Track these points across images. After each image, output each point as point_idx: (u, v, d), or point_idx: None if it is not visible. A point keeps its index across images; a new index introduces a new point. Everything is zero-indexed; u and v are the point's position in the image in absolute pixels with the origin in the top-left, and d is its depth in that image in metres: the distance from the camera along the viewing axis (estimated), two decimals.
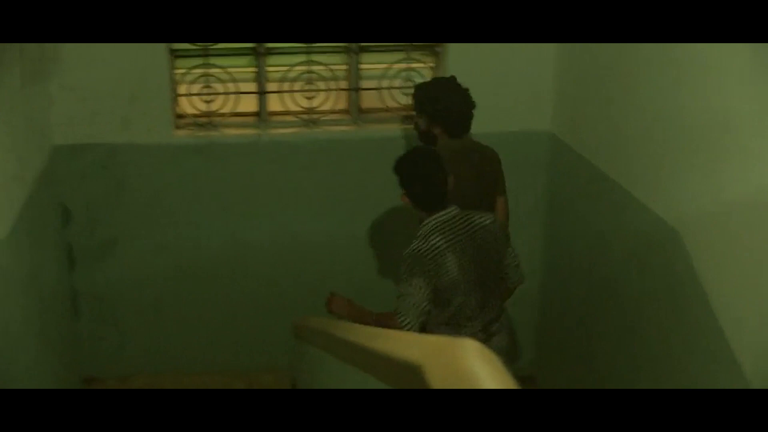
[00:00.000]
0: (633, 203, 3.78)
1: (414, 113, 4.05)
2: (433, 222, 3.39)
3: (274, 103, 4.68)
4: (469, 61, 4.57)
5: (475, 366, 1.39)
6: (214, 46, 4.49)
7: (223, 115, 4.61)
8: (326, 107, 4.68)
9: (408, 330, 3.31)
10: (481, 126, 4.60)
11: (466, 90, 3.88)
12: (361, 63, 4.66)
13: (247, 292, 4.87)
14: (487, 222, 3.49)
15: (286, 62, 4.60)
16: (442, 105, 3.81)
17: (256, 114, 4.69)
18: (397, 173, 3.46)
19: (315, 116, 4.68)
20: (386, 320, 3.40)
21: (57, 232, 4.43)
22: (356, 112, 4.73)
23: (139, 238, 4.69)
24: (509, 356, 3.72)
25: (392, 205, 4.62)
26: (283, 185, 4.69)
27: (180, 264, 4.77)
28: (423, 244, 3.35)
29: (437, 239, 3.35)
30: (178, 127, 4.58)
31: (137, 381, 4.87)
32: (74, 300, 4.71)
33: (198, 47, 4.48)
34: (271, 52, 4.59)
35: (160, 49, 4.36)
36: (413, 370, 1.54)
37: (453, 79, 4.03)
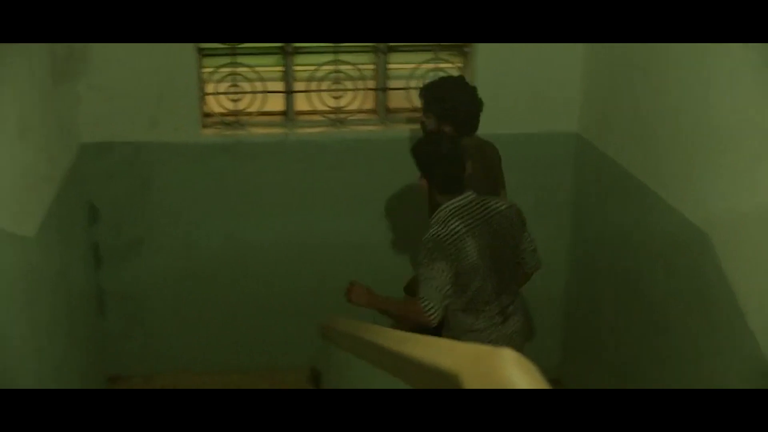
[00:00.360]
0: (660, 204, 3.74)
1: (421, 113, 4.01)
2: (451, 207, 3.40)
3: (301, 103, 4.67)
4: (496, 62, 4.56)
5: (513, 376, 1.37)
6: (242, 45, 4.49)
7: (250, 114, 4.60)
8: (353, 107, 4.67)
9: (432, 314, 3.33)
10: (507, 126, 4.62)
11: (474, 89, 3.85)
12: (389, 63, 4.63)
13: (275, 292, 4.86)
14: (503, 207, 3.50)
15: (314, 61, 4.59)
16: (450, 104, 3.78)
17: (283, 113, 4.68)
18: (415, 155, 3.47)
19: (342, 116, 4.67)
20: (408, 306, 3.44)
21: (84, 231, 4.44)
22: (383, 112, 4.71)
23: (165, 237, 4.69)
24: (524, 336, 3.73)
25: (419, 206, 4.58)
26: (310, 185, 4.67)
27: (207, 263, 4.77)
28: (442, 228, 3.36)
29: (456, 224, 3.36)
30: (205, 126, 4.57)
31: (162, 380, 4.88)
32: (100, 298, 4.72)
33: (226, 46, 4.47)
34: (298, 52, 4.58)
35: (187, 48, 4.36)
36: (449, 378, 1.51)
37: (461, 78, 4.03)
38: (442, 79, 4.02)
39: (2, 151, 2.93)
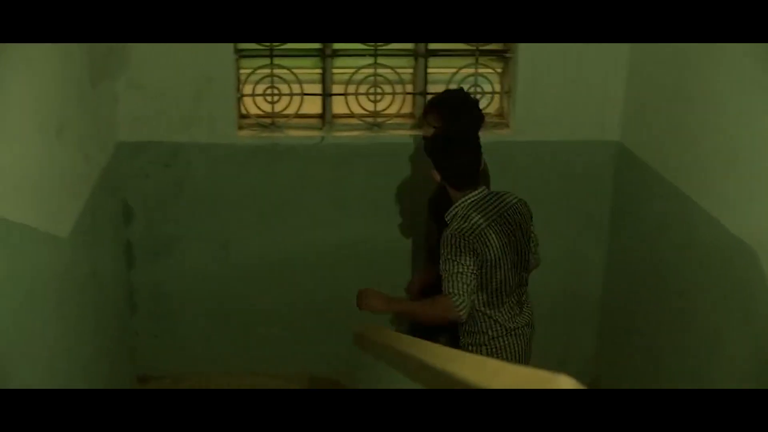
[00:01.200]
0: (703, 217, 3.67)
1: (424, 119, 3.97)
2: (468, 201, 3.44)
3: (338, 106, 4.62)
4: (538, 68, 4.48)
5: None
6: (280, 47, 4.44)
7: (287, 116, 4.55)
8: (391, 111, 4.60)
9: (461, 309, 3.31)
10: (547, 134, 4.56)
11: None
12: (429, 67, 4.56)
13: (308, 295, 4.81)
14: (515, 200, 3.55)
15: (352, 64, 4.54)
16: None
17: (320, 116, 4.62)
18: (431, 148, 3.49)
19: (379, 120, 4.61)
20: (436, 304, 3.40)
21: (117, 229, 4.42)
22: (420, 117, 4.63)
23: (198, 238, 4.66)
24: (533, 326, 3.75)
25: None
26: (346, 189, 4.62)
27: (238, 264, 4.72)
28: (464, 223, 3.38)
29: (477, 218, 3.39)
30: (241, 128, 4.54)
31: (192, 380, 4.84)
32: (131, 297, 4.69)
33: (264, 47, 4.43)
34: (337, 54, 4.53)
35: (225, 49, 4.32)
36: None
37: (461, 91, 4.08)
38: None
39: (40, 151, 2.91)
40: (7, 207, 2.51)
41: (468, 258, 3.33)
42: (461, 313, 3.33)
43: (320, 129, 4.59)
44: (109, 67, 4.09)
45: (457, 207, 3.46)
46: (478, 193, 3.46)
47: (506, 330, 3.54)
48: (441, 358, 1.95)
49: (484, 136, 4.47)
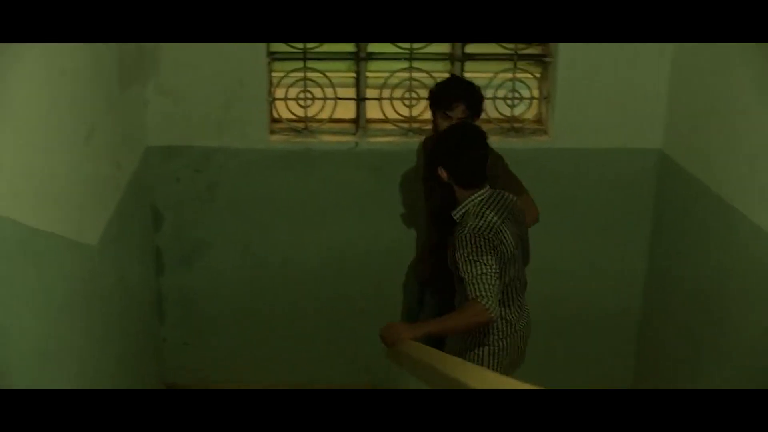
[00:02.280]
0: (750, 228, 3.55)
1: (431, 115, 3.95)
2: (478, 199, 3.36)
3: (372, 110, 4.52)
4: (577, 73, 4.37)
5: None
6: (314, 50, 4.35)
7: (320, 121, 4.46)
8: (427, 116, 4.46)
9: (492, 312, 3.18)
10: (587, 141, 4.45)
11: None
12: (465, 71, 4.45)
13: (339, 304, 4.71)
14: (512, 197, 3.52)
15: (387, 68, 4.44)
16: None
17: (354, 121, 4.53)
18: (438, 146, 3.42)
19: (415, 125, 4.50)
20: (467, 313, 3.24)
21: (146, 236, 4.35)
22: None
23: (228, 244, 4.57)
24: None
25: None
26: (379, 195, 4.52)
27: (269, 271, 4.64)
28: (480, 221, 3.28)
29: (491, 215, 3.32)
30: (273, 132, 4.45)
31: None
32: (159, 304, 4.62)
33: (297, 50, 4.34)
34: (371, 57, 4.43)
35: (258, 51, 4.24)
36: None
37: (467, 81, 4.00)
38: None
39: (68, 157, 2.84)
40: (33, 215, 2.44)
41: (490, 257, 3.23)
42: (492, 315, 3.20)
43: (354, 134, 4.49)
44: (138, 70, 4.03)
45: (467, 205, 3.36)
46: (485, 191, 3.39)
47: (513, 330, 3.47)
48: (482, 380, 1.86)
49: (522, 142, 4.44)
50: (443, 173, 3.38)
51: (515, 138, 4.50)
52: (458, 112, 3.79)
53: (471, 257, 3.23)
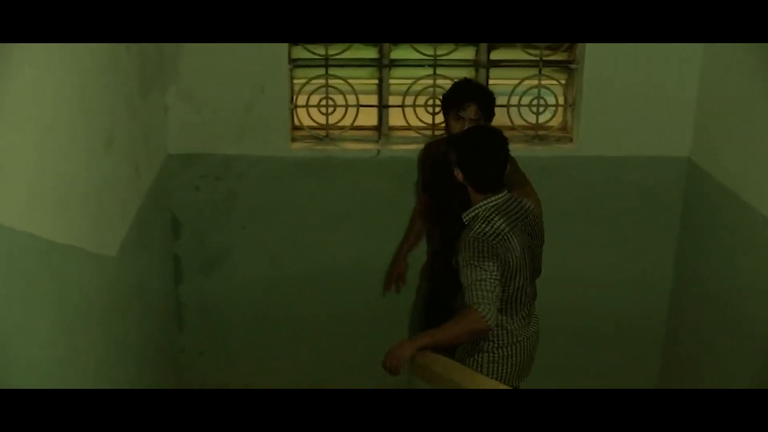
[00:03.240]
0: None
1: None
2: (490, 204, 3.30)
3: (395, 118, 4.45)
4: (604, 79, 4.30)
5: None
6: (336, 56, 4.28)
7: (341, 128, 4.39)
8: None
9: (490, 319, 3.14)
10: (613, 149, 4.38)
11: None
12: (490, 78, 4.37)
13: (361, 313, 4.64)
14: (531, 206, 3.44)
15: (410, 75, 4.37)
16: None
17: (376, 128, 4.46)
18: (456, 148, 3.34)
19: (438, 132, 4.42)
20: (464, 321, 3.20)
21: (165, 243, 4.29)
22: None
23: (248, 253, 4.51)
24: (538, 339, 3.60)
25: None
26: (402, 203, 4.43)
27: (289, 280, 4.57)
28: (487, 227, 3.23)
29: (499, 222, 3.26)
30: (294, 140, 4.39)
31: None
32: (178, 313, 4.56)
33: (319, 56, 4.28)
34: (394, 64, 4.36)
35: (279, 58, 4.18)
36: None
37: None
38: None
39: (88, 166, 2.77)
40: (52, 228, 2.38)
41: (491, 263, 3.17)
42: (489, 323, 3.16)
43: (376, 142, 4.43)
44: (159, 77, 3.98)
45: (477, 209, 3.31)
46: (501, 197, 3.32)
47: (514, 340, 3.40)
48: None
49: (547, 150, 4.37)
50: (459, 174, 3.33)
51: (540, 146, 4.43)
52: (470, 113, 3.77)
53: (472, 262, 3.18)
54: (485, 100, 3.84)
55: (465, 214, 3.33)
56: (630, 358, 4.77)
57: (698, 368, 4.34)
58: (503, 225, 3.24)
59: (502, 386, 3.22)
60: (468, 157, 3.30)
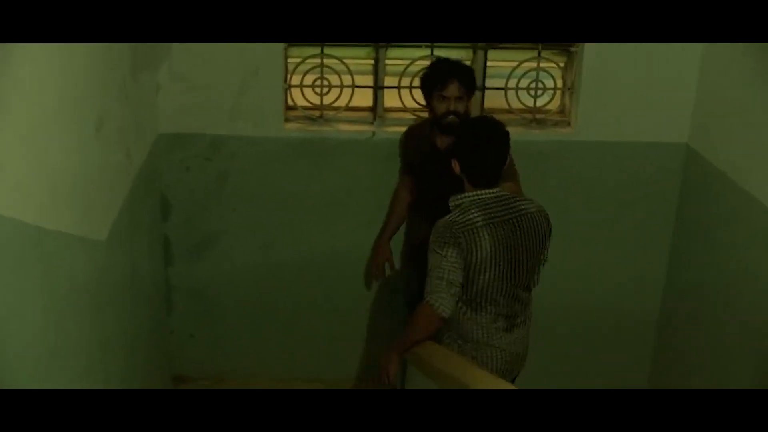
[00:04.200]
0: None
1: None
2: (474, 197, 3.22)
3: (390, 99, 4.37)
4: (603, 63, 4.23)
5: None
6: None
7: (336, 109, 4.31)
8: None
9: (439, 308, 3.11)
10: (611, 134, 4.33)
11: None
12: (489, 60, 4.29)
13: (353, 297, 4.59)
14: (533, 210, 3.30)
15: (407, 55, 4.29)
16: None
17: (371, 109, 4.38)
18: (457, 137, 3.32)
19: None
20: (417, 315, 3.22)
21: (155, 225, 4.20)
22: (479, 112, 4.36)
23: (239, 235, 4.44)
24: (524, 355, 3.49)
25: None
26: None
27: (281, 263, 4.50)
28: (460, 216, 3.17)
29: (475, 214, 3.17)
30: (288, 120, 4.30)
31: (231, 383, 4.62)
32: (168, 295, 4.49)
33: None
34: (391, 45, 4.27)
35: None
36: None
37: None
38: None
39: (78, 150, 2.69)
40: (42, 215, 2.30)
41: (451, 250, 3.11)
42: (440, 312, 3.13)
43: (371, 123, 4.35)
44: (151, 56, 3.88)
45: (463, 198, 3.23)
46: (490, 193, 3.22)
47: (487, 341, 3.29)
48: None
49: (544, 134, 4.30)
50: (456, 166, 3.25)
51: (537, 130, 4.36)
52: (453, 90, 3.72)
53: (434, 247, 3.15)
54: (466, 75, 3.78)
55: (451, 200, 3.26)
56: (620, 354, 4.75)
57: (693, 360, 4.30)
58: (478, 217, 3.15)
59: (493, 378, 3.17)
60: (466, 149, 3.22)
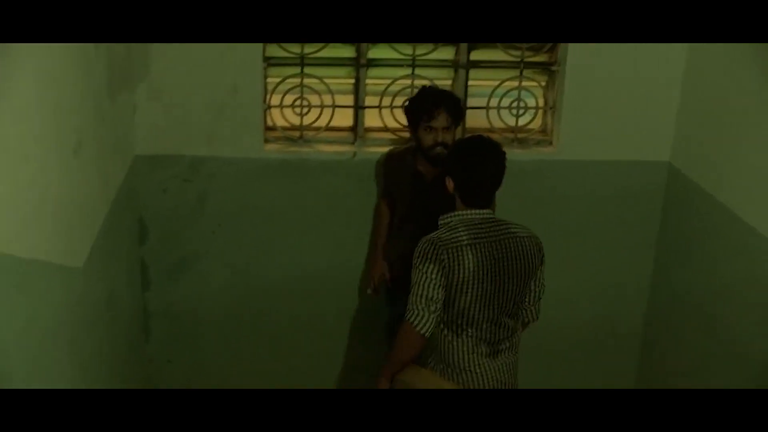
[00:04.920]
0: (762, 244, 3.44)
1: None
2: (463, 216, 3.15)
3: (371, 119, 4.31)
4: (585, 82, 4.22)
5: None
6: (312, 55, 4.13)
7: (317, 129, 4.25)
8: None
9: (419, 326, 3.06)
10: (593, 153, 4.32)
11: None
12: (470, 79, 4.25)
13: (334, 318, 4.52)
14: (524, 235, 3.21)
15: (388, 75, 4.23)
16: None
17: (352, 129, 4.32)
18: (452, 155, 3.26)
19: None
20: (398, 342, 3.19)
21: (133, 249, 4.11)
22: (461, 132, 4.31)
23: (218, 258, 4.35)
24: (513, 380, 3.37)
25: None
26: None
27: (261, 286, 4.42)
28: (445, 233, 3.10)
29: (462, 232, 3.09)
30: (267, 141, 4.23)
31: None
32: (146, 322, 4.39)
33: (294, 55, 4.12)
34: (372, 64, 4.22)
35: (253, 56, 4.02)
36: None
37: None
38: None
39: (57, 177, 2.61)
40: (20, 245, 2.22)
41: (432, 266, 3.04)
42: (421, 330, 3.07)
43: (352, 143, 4.29)
44: (128, 75, 3.80)
45: (453, 217, 3.16)
46: (479, 214, 3.15)
47: (465, 365, 3.19)
48: None
49: (526, 154, 4.27)
50: (450, 184, 3.19)
51: (519, 149, 4.32)
52: (441, 121, 3.66)
53: (416, 263, 3.10)
54: (454, 104, 3.73)
55: (441, 219, 3.20)
56: (604, 370, 4.71)
57: (677, 372, 4.28)
58: (464, 236, 3.08)
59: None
60: (462, 167, 3.16)
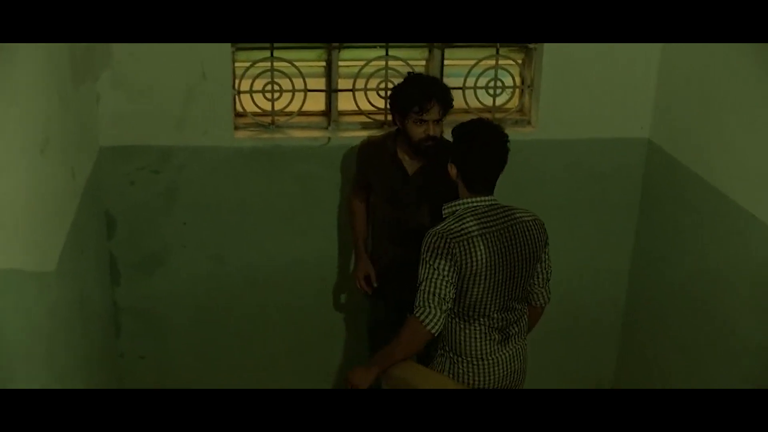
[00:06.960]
0: (743, 216, 3.45)
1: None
2: (469, 204, 3.08)
3: (345, 102, 4.18)
4: (563, 61, 4.14)
5: None
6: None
7: (288, 114, 4.10)
8: None
9: (429, 324, 2.98)
10: (572, 131, 4.26)
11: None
12: (445, 59, 4.13)
13: (308, 310, 4.41)
14: (528, 218, 3.17)
15: (361, 56, 4.11)
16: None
17: (325, 113, 4.18)
18: (454, 140, 3.14)
19: (390, 117, 4.16)
20: (405, 332, 3.07)
21: (102, 245, 3.96)
22: None
23: (190, 250, 4.22)
24: (525, 364, 3.37)
25: None
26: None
27: (234, 278, 4.30)
28: (454, 224, 3.03)
29: (470, 223, 3.03)
30: (237, 128, 4.09)
31: None
32: (116, 317, 4.24)
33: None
34: (344, 46, 4.08)
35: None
36: None
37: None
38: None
39: (23, 176, 2.45)
40: None
41: (444, 262, 2.97)
42: (430, 329, 3.00)
43: (326, 128, 4.16)
44: (90, 63, 3.63)
45: (458, 206, 3.08)
46: (485, 200, 3.09)
47: (478, 354, 3.16)
48: None
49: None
50: (452, 170, 3.10)
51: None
52: (433, 114, 3.50)
53: (425, 257, 3.01)
54: (446, 95, 3.55)
55: (445, 207, 3.12)
56: (586, 350, 4.68)
57: (658, 356, 4.26)
58: (473, 227, 3.02)
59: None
60: (466, 152, 3.07)
